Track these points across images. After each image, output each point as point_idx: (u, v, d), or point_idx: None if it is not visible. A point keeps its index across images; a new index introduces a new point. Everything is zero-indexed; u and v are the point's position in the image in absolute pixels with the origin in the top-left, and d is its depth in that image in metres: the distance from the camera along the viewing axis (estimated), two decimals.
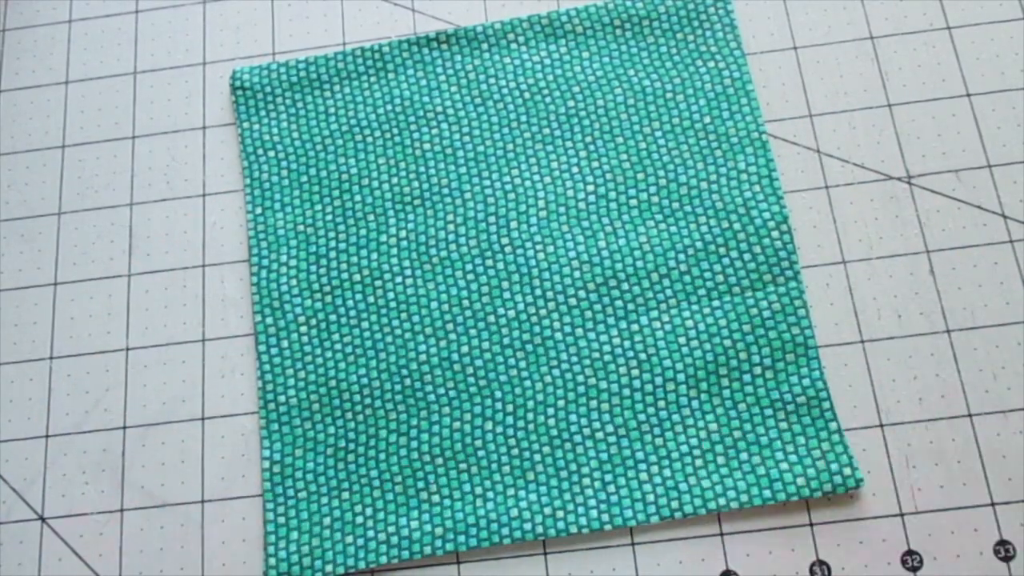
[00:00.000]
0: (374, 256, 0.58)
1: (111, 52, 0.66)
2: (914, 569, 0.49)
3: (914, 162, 0.57)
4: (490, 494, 0.52)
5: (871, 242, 0.56)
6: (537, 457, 0.53)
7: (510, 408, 0.54)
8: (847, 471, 0.50)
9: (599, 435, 0.53)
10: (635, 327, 0.55)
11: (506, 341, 0.55)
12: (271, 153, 0.61)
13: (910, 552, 0.49)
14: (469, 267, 0.57)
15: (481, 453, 0.53)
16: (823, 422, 0.52)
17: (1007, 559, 0.48)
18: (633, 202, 0.58)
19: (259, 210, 0.60)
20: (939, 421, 0.51)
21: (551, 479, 0.52)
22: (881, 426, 0.52)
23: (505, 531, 0.51)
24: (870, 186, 0.57)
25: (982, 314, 0.53)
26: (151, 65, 0.65)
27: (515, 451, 0.53)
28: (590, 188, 0.58)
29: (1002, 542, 0.49)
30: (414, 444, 0.54)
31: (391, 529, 0.52)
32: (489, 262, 0.57)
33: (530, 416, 0.53)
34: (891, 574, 0.48)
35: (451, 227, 0.58)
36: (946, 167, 0.57)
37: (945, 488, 0.50)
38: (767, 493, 0.50)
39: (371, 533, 0.52)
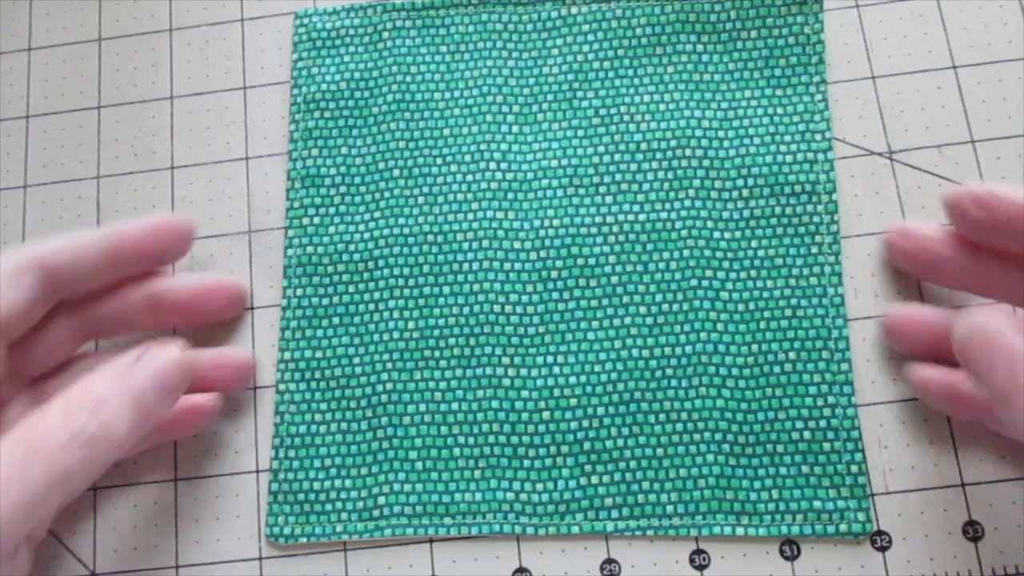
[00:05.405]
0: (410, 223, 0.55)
1: (75, 18, 0.63)
2: (883, 549, 0.49)
3: (896, 137, 0.56)
4: (504, 482, 0.51)
5: (851, 220, 0.55)
6: (544, 451, 0.51)
7: (527, 393, 0.52)
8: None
9: (612, 428, 0.51)
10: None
11: (563, 295, 0.53)
12: (319, 109, 0.58)
13: (879, 532, 0.49)
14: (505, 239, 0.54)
15: (503, 436, 0.52)
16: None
17: (975, 539, 0.49)
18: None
19: (297, 178, 0.57)
20: (911, 402, 0.51)
21: (566, 470, 0.51)
22: (856, 406, 0.52)
23: (494, 524, 0.50)
24: (851, 161, 0.56)
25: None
26: (116, 32, 0.63)
27: (514, 439, 0.51)
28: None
29: (971, 522, 0.49)
30: (437, 416, 0.52)
31: (404, 499, 0.51)
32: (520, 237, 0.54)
33: (552, 403, 0.52)
34: (860, 553, 0.49)
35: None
36: (928, 142, 0.56)
37: (916, 469, 0.50)
38: None
39: (380, 501, 0.51)
